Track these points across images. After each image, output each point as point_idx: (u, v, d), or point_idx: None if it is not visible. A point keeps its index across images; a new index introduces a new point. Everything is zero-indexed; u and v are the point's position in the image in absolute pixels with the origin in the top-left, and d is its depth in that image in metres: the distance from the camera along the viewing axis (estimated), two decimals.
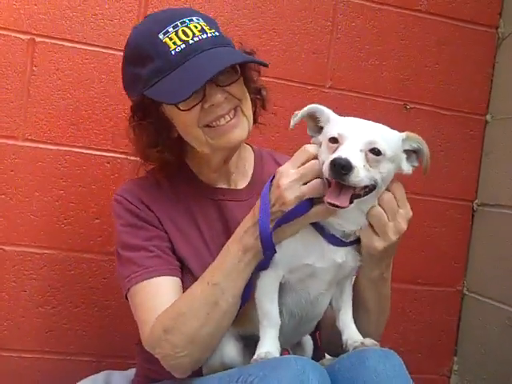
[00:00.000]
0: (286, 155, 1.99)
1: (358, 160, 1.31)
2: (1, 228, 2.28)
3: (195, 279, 1.60)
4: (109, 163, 2.36)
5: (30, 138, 2.28)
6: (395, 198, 1.46)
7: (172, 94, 1.56)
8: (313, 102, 2.45)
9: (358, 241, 1.48)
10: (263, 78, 2.41)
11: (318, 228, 1.45)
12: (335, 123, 1.43)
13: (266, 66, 1.68)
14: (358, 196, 1.36)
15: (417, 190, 2.71)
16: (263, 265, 1.50)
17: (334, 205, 1.32)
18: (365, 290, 1.60)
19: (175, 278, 1.65)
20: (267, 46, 2.52)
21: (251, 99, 1.75)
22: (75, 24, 2.31)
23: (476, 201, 2.80)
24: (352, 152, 1.32)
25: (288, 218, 1.43)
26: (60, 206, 2.32)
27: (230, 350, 1.56)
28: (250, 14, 2.50)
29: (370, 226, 1.45)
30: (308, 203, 1.41)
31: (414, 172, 2.59)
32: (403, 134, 1.43)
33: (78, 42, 2.31)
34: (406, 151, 1.44)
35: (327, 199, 1.33)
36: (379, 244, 1.45)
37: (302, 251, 1.46)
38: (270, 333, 1.46)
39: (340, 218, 1.42)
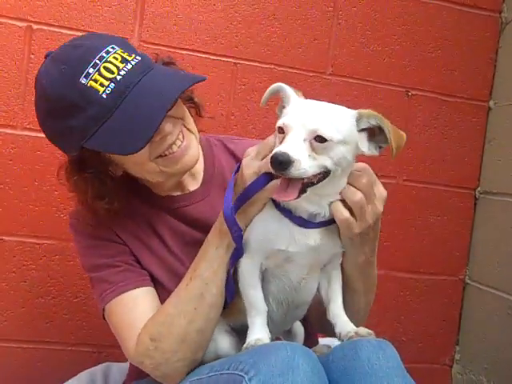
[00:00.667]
0: (238, 138, 1.95)
1: (300, 151, 1.28)
2: (0, 218, 2.25)
3: (165, 289, 1.59)
4: None
5: (28, 127, 2.26)
6: (367, 178, 1.43)
7: (122, 143, 1.44)
8: (313, 89, 2.52)
9: (330, 222, 1.44)
10: (264, 66, 2.45)
11: (285, 211, 1.42)
12: (290, 108, 1.39)
13: (204, 80, 1.56)
14: (311, 184, 1.33)
15: (418, 177, 2.71)
16: (237, 252, 1.47)
17: (282, 199, 1.32)
18: (351, 274, 1.58)
19: (149, 287, 1.61)
20: (267, 32, 2.49)
21: (188, 105, 1.68)
22: (73, 11, 2.28)
23: (478, 188, 2.79)
24: (293, 144, 1.28)
25: (247, 193, 1.41)
26: (59, 196, 2.30)
27: (224, 343, 1.55)
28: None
29: (347, 209, 1.42)
30: (266, 178, 1.38)
31: (416, 160, 2.67)
32: (355, 113, 1.37)
33: (76, 29, 2.28)
34: (366, 130, 1.38)
35: (274, 195, 1.33)
36: (356, 227, 1.43)
37: (273, 236, 1.43)
38: (258, 320, 1.45)
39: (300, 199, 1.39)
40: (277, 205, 1.43)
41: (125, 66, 1.47)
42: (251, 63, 2.49)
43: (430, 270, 2.77)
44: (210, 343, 1.55)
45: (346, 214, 1.41)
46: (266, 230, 1.44)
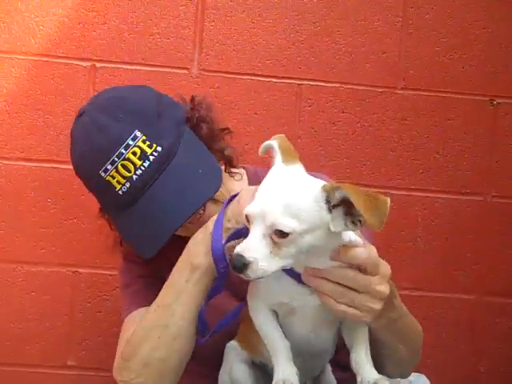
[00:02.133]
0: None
1: (257, 251, 1.18)
2: (75, 251, 2.34)
3: None
4: None
5: None
6: (366, 270, 1.26)
7: (137, 242, 1.59)
8: (385, 106, 2.38)
9: None
10: (330, 85, 2.35)
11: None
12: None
13: (217, 189, 1.55)
14: None
15: (510, 193, 2.45)
16: (217, 288, 1.43)
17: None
18: (379, 334, 1.44)
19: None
20: (331, 49, 2.39)
21: (218, 157, 1.66)
22: (133, 46, 2.32)
23: None
24: (251, 242, 1.19)
25: (241, 233, 1.32)
26: None
27: (239, 372, 1.49)
28: (312, 17, 2.39)
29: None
30: None
31: (506, 173, 2.42)
32: (319, 191, 1.19)
33: (136, 64, 2.32)
34: (341, 204, 1.18)
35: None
36: (367, 318, 1.30)
37: (275, 288, 1.34)
38: (281, 357, 1.35)
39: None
40: None
41: (142, 164, 1.50)
42: (316, 83, 2.40)
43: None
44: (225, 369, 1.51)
45: (342, 308, 1.27)
46: (270, 280, 1.31)
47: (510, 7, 2.44)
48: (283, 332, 1.38)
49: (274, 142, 1.31)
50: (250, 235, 1.21)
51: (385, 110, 2.42)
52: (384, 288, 1.29)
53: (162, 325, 1.48)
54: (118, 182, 1.51)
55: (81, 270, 2.34)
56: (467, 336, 2.46)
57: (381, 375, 1.35)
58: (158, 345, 1.47)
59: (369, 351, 1.38)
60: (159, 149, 1.52)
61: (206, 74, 2.34)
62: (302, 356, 1.40)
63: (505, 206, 2.45)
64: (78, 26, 2.29)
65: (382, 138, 2.42)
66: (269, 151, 1.33)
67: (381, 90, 2.41)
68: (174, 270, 1.50)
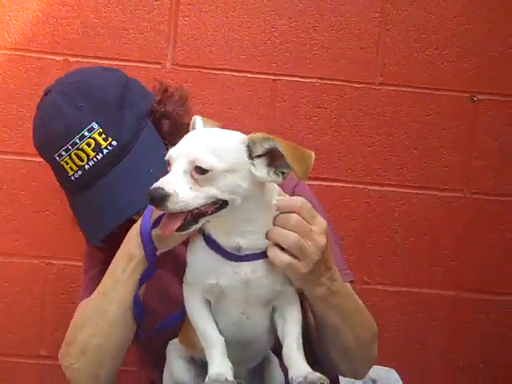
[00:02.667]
0: None
1: (178, 184, 1.18)
2: (47, 243, 2.34)
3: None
4: None
5: None
6: (301, 216, 1.28)
7: (86, 228, 1.61)
8: (362, 102, 2.35)
9: (262, 256, 1.30)
10: (306, 80, 2.33)
11: (211, 243, 1.31)
12: None
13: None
14: (204, 214, 1.22)
15: (490, 190, 2.42)
16: (148, 272, 1.43)
17: (163, 233, 1.24)
18: (317, 309, 1.44)
19: None
20: (307, 45, 2.37)
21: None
22: (107, 40, 2.32)
23: None
24: (172, 177, 1.20)
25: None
26: None
27: (178, 369, 1.47)
28: (287, 12, 2.36)
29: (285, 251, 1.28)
30: None
31: (486, 170, 2.37)
32: (244, 138, 1.24)
33: (110, 58, 2.31)
34: (266, 155, 1.22)
35: (160, 229, 1.26)
36: (302, 268, 1.29)
37: (204, 269, 1.33)
38: (215, 352, 1.33)
39: (214, 229, 1.30)
40: (205, 237, 1.33)
41: (95, 156, 1.51)
42: (292, 78, 2.38)
43: (510, 290, 2.45)
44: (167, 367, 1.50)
45: (285, 258, 1.27)
46: (196, 262, 1.35)
47: (488, 3, 2.40)
48: (216, 320, 1.36)
49: (196, 116, 1.35)
50: (170, 172, 1.21)
51: (362, 106, 2.39)
52: (323, 239, 1.30)
53: (100, 312, 1.49)
54: (70, 168, 1.53)
55: (53, 262, 2.34)
56: (445, 332, 2.42)
57: (313, 371, 1.30)
58: (95, 331, 1.48)
59: (301, 344, 1.34)
60: (114, 143, 1.53)
61: (179, 68, 2.33)
62: (235, 343, 1.37)
63: (483, 203, 2.40)
64: (51, 20, 2.29)
65: (359, 133, 2.39)
66: None
67: (358, 86, 2.38)
68: (114, 259, 1.50)
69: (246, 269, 1.29)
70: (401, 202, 2.38)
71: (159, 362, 1.57)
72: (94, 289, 1.61)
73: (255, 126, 2.22)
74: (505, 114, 2.41)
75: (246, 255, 1.29)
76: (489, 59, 2.40)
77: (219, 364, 1.31)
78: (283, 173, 1.22)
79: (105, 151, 1.52)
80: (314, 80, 2.37)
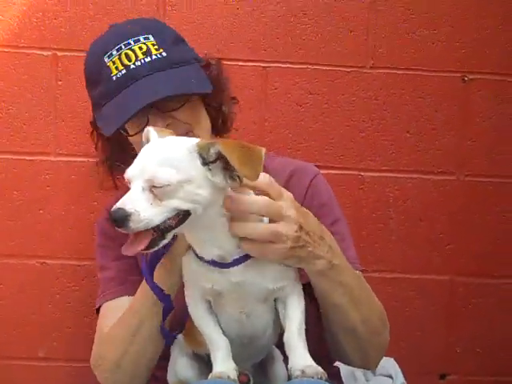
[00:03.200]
0: (274, 155, 1.89)
1: (137, 202, 1.17)
2: (41, 242, 2.32)
3: None
4: None
5: (61, 152, 2.30)
6: (269, 195, 1.28)
7: (108, 123, 1.58)
8: (354, 86, 2.32)
9: (247, 257, 1.31)
10: (296, 66, 2.29)
11: (197, 255, 1.33)
12: None
13: (206, 94, 1.62)
14: (170, 228, 1.22)
15: (483, 172, 2.41)
16: (166, 308, 1.47)
17: (129, 253, 1.22)
18: (319, 286, 1.45)
19: (124, 297, 1.66)
20: (297, 29, 2.33)
21: (214, 115, 1.70)
22: (95, 34, 2.22)
23: None
24: (130, 196, 1.19)
25: (156, 256, 1.40)
26: (95, 218, 2.28)
27: (183, 367, 1.49)
28: None
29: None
30: None
31: (479, 152, 2.35)
32: (193, 146, 1.22)
33: None
34: (220, 160, 1.21)
35: (122, 249, 1.24)
36: (282, 248, 1.28)
37: (197, 277, 1.36)
38: (219, 354, 1.36)
39: (196, 247, 1.32)
40: (193, 250, 1.34)
41: (144, 58, 1.55)
42: (282, 65, 2.35)
43: (506, 273, 2.44)
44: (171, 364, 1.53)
45: (259, 248, 1.28)
46: (190, 273, 1.37)
47: None
48: (218, 320, 1.38)
49: (149, 128, 1.34)
50: (129, 191, 1.20)
51: (354, 90, 2.36)
52: (294, 212, 1.29)
53: (131, 332, 1.52)
54: (116, 68, 1.56)
55: (48, 262, 2.32)
56: (442, 317, 2.42)
57: (312, 363, 1.29)
58: (128, 349, 1.53)
59: (303, 331, 1.34)
60: (164, 54, 1.57)
61: None
62: (238, 340, 1.39)
63: (478, 185, 2.38)
64: (38, 14, 2.25)
65: (351, 118, 2.36)
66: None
67: (349, 70, 2.35)
68: (140, 288, 1.53)
69: (236, 273, 1.30)
70: (395, 187, 2.37)
71: (163, 358, 1.59)
72: (114, 292, 1.69)
73: (247, 115, 2.22)
74: (496, 94, 2.39)
75: (234, 260, 1.29)
76: (479, 38, 2.37)
77: (223, 364, 1.34)
78: (238, 176, 1.20)
79: (153, 57, 1.56)
80: (304, 66, 2.34)
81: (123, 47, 1.56)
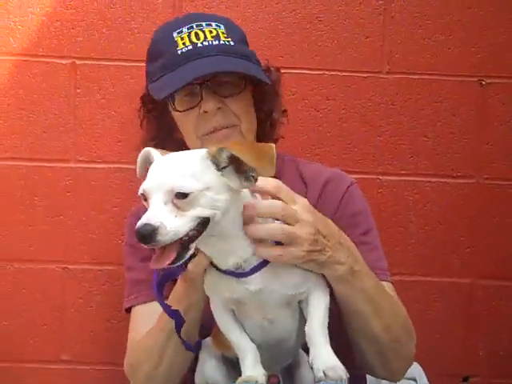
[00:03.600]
0: (309, 162, 1.93)
1: (162, 215, 1.17)
2: (62, 248, 2.34)
3: None
4: None
5: (81, 159, 2.31)
6: (281, 199, 1.29)
7: (162, 88, 1.59)
8: (370, 91, 2.32)
9: (264, 264, 1.30)
10: (313, 72, 2.30)
11: (216, 266, 1.33)
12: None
13: (266, 83, 1.64)
14: (193, 238, 1.21)
15: (503, 175, 2.40)
16: (177, 325, 1.42)
17: (158, 267, 1.22)
18: (341, 292, 1.42)
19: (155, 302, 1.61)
20: (313, 36, 2.34)
21: (263, 119, 1.71)
22: (112, 42, 2.30)
23: None
24: (153, 211, 1.18)
25: (166, 278, 1.39)
26: (115, 223, 2.32)
27: (211, 369, 1.49)
28: (291, 5, 2.34)
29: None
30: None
31: (498, 155, 2.34)
32: (204, 154, 1.23)
33: (117, 60, 2.30)
34: (231, 165, 1.22)
35: (151, 265, 1.23)
36: (299, 251, 1.28)
37: (216, 288, 1.37)
38: (248, 360, 1.36)
39: (213, 257, 1.32)
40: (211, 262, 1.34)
41: (212, 41, 1.60)
42: (299, 71, 2.35)
43: None
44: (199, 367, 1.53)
45: (274, 251, 1.28)
46: (209, 284, 1.38)
47: None
48: (243, 327, 1.38)
49: (148, 148, 1.34)
50: (150, 206, 1.19)
51: (370, 96, 2.36)
52: (310, 216, 1.30)
53: (162, 345, 1.52)
54: (183, 43, 1.60)
55: (70, 267, 2.34)
56: (463, 320, 2.40)
57: (335, 361, 1.28)
58: (159, 363, 1.53)
59: (325, 327, 1.33)
60: (232, 43, 1.63)
61: None
62: (265, 345, 1.39)
63: (497, 188, 2.37)
64: (56, 23, 2.28)
65: (368, 123, 2.36)
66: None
67: (365, 75, 2.35)
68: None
69: (255, 281, 1.30)
70: (413, 190, 2.36)
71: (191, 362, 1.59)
72: (143, 296, 1.70)
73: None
74: None
75: (252, 269, 1.29)
76: (495, 42, 2.36)
77: (252, 369, 1.34)
78: (253, 176, 1.21)
79: (221, 41, 1.61)
80: (321, 72, 2.35)
81: (194, 27, 1.61)
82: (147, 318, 1.60)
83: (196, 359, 1.56)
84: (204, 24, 1.63)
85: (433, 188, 2.37)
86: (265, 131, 1.75)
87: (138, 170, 1.35)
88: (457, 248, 2.38)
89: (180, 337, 1.43)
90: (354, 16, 2.34)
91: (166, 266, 1.20)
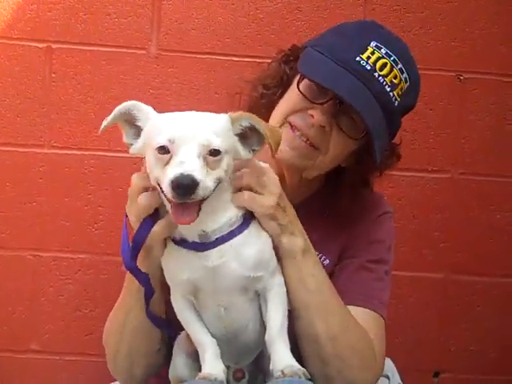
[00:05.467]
0: None
1: (200, 171, 1.13)
2: (35, 235, 2.25)
3: None
4: (135, 164, 2.23)
5: (55, 145, 2.24)
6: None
7: (304, 62, 1.54)
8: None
9: (229, 238, 1.28)
10: None
11: (180, 241, 1.29)
12: (158, 124, 1.23)
13: (375, 161, 1.51)
14: (202, 200, 1.18)
15: (478, 170, 2.35)
16: (147, 293, 1.40)
17: (183, 223, 1.18)
18: (289, 272, 1.38)
19: None
20: (292, 26, 2.28)
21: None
22: (90, 26, 2.22)
23: None
24: (192, 162, 1.13)
25: (137, 243, 1.32)
26: (89, 210, 2.25)
27: (180, 365, 1.45)
28: None
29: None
30: (148, 223, 1.29)
31: (474, 150, 2.30)
32: (227, 117, 1.24)
33: (93, 45, 2.22)
34: (239, 134, 1.25)
35: (175, 221, 1.19)
36: (267, 198, 1.31)
37: (173, 267, 1.32)
38: (207, 355, 1.32)
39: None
40: (173, 238, 1.31)
41: (387, 83, 1.48)
42: None
43: (500, 271, 2.38)
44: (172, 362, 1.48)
45: (246, 194, 1.30)
46: (169, 264, 1.34)
47: None
48: (203, 316, 1.35)
49: (136, 102, 1.29)
50: (184, 157, 1.14)
51: None
52: (277, 181, 1.34)
53: (121, 323, 1.51)
54: (367, 57, 1.48)
55: (41, 254, 2.26)
56: (436, 315, 2.37)
57: (292, 361, 1.25)
58: (120, 339, 1.52)
59: (284, 330, 1.30)
60: (396, 104, 1.51)
61: (164, 53, 2.25)
62: (223, 336, 1.34)
63: (472, 183, 2.33)
64: (32, 6, 2.20)
65: None
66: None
67: None
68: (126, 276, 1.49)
69: (213, 257, 1.25)
70: (389, 184, 2.30)
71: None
72: None
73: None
74: (491, 93, 2.34)
75: (215, 240, 1.26)
76: (474, 37, 2.32)
77: (211, 365, 1.30)
78: (253, 150, 1.26)
79: (391, 94, 1.50)
80: None
81: (391, 57, 1.50)
82: None
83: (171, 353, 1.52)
84: (399, 64, 1.52)
85: (408, 182, 2.34)
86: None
87: (109, 118, 1.27)
88: (431, 243, 2.34)
89: (147, 306, 1.41)
90: (334, 7, 2.29)
91: (192, 222, 1.16)
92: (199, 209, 1.17)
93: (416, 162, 2.32)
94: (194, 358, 1.42)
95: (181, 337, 1.49)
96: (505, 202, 2.36)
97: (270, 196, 1.31)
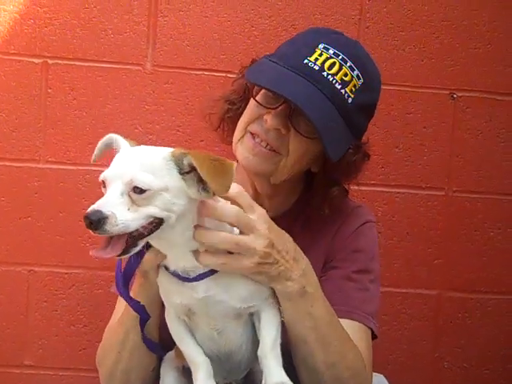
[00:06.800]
0: None
1: (115, 205, 1.11)
2: (29, 250, 2.23)
3: None
4: None
5: (50, 160, 2.21)
6: (239, 206, 1.22)
7: (253, 71, 1.55)
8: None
9: (212, 273, 1.25)
10: None
11: (166, 268, 1.28)
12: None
13: (331, 159, 1.48)
14: (141, 236, 1.15)
15: (471, 187, 2.32)
16: (142, 319, 1.40)
17: (105, 257, 1.15)
18: (289, 314, 1.33)
19: None
20: None
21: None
22: (86, 42, 2.20)
23: None
24: (109, 199, 1.13)
25: (128, 273, 1.32)
26: (84, 226, 2.19)
27: (169, 380, 1.44)
28: (267, 11, 2.26)
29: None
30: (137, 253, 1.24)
31: (467, 168, 2.29)
32: (166, 154, 1.18)
33: (90, 60, 2.20)
34: (194, 172, 1.17)
35: (91, 253, 1.16)
36: (247, 261, 1.22)
37: (168, 291, 1.31)
38: (200, 375, 1.29)
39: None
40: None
41: (338, 81, 1.46)
42: None
43: (493, 289, 2.36)
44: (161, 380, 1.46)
45: (219, 260, 1.21)
46: (162, 287, 1.32)
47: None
48: (197, 335, 1.33)
49: (113, 135, 1.28)
50: (106, 194, 1.14)
51: None
52: (266, 227, 1.23)
53: (120, 341, 1.46)
54: (315, 59, 1.47)
55: (36, 269, 2.23)
56: (430, 331, 2.34)
57: (284, 379, 1.23)
58: (118, 359, 1.48)
59: (277, 347, 1.26)
60: (350, 101, 1.49)
61: (159, 70, 2.23)
62: (215, 357, 1.32)
63: (466, 201, 2.32)
64: (29, 21, 2.18)
65: None
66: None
67: None
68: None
69: (201, 288, 1.24)
70: (383, 201, 2.29)
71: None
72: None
73: None
74: (484, 111, 2.33)
75: (198, 275, 1.23)
76: (468, 55, 2.31)
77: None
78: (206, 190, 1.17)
79: (343, 91, 1.48)
80: None
81: (339, 56, 1.48)
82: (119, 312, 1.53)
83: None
84: (349, 62, 1.50)
85: (402, 199, 2.31)
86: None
87: (95, 151, 1.28)
88: (424, 260, 2.32)
89: (143, 332, 1.38)
90: (329, 25, 2.27)
91: (108, 257, 1.14)
92: (130, 245, 1.14)
93: (410, 179, 2.30)
94: (184, 374, 1.41)
95: (169, 355, 1.47)
96: (498, 219, 2.34)
97: (252, 256, 1.23)
